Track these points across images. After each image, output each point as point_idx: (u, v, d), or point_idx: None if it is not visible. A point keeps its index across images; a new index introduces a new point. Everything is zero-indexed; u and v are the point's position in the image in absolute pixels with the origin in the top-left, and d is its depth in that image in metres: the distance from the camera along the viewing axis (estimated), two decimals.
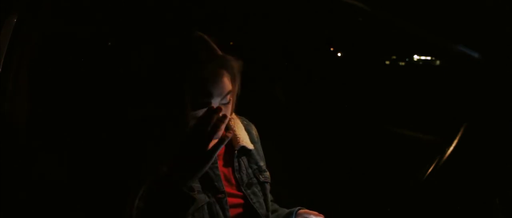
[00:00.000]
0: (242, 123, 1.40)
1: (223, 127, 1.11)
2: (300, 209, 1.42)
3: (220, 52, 1.19)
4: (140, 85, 1.31)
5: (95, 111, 1.56)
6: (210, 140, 1.08)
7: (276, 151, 1.54)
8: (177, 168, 1.09)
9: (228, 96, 1.17)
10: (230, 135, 1.11)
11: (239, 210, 1.27)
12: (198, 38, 1.19)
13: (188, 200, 1.10)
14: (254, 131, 1.45)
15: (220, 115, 1.08)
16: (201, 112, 1.12)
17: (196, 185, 1.18)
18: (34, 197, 1.36)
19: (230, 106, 1.22)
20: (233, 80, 1.20)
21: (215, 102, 1.15)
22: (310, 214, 1.38)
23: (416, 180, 1.55)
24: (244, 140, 1.34)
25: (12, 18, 1.34)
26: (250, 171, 1.35)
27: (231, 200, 1.25)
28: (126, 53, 1.78)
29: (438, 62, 3.96)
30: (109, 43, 1.88)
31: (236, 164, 1.32)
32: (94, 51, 1.75)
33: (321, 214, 1.37)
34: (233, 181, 1.30)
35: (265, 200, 1.35)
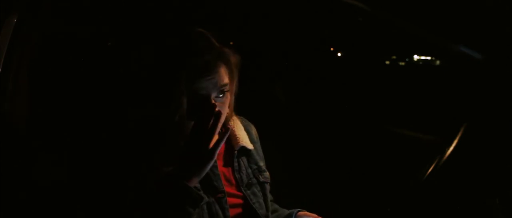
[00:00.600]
0: (242, 123, 1.40)
1: (220, 124, 1.11)
2: (299, 211, 1.41)
3: (218, 45, 1.19)
4: (140, 85, 1.31)
5: (95, 111, 1.56)
6: (211, 138, 1.09)
7: (276, 151, 1.54)
8: (182, 169, 1.09)
9: (225, 89, 1.17)
10: (229, 130, 1.11)
11: (239, 210, 1.27)
12: (198, 32, 1.19)
13: (197, 198, 1.10)
14: (254, 131, 1.44)
15: (216, 110, 1.09)
16: (197, 105, 1.12)
17: (196, 185, 1.18)
18: (34, 197, 1.36)
19: (226, 102, 1.21)
20: (230, 75, 1.20)
21: (211, 94, 1.14)
22: (309, 216, 1.37)
23: (416, 180, 1.55)
24: (244, 140, 1.34)
25: (12, 18, 1.34)
26: (249, 171, 1.35)
27: (230, 200, 1.25)
28: (126, 53, 1.78)
29: (438, 62, 3.96)
30: (109, 43, 1.88)
31: (235, 164, 1.32)
32: (94, 51, 1.75)
33: (320, 217, 1.37)
34: (233, 181, 1.29)
35: (265, 200, 1.34)
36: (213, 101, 1.13)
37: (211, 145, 1.09)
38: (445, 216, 1.54)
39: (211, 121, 1.08)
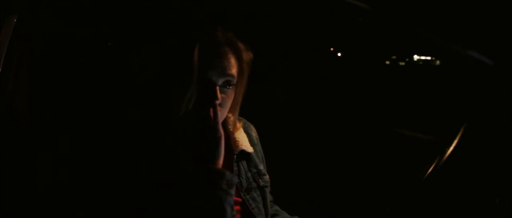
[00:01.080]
0: (242, 125, 1.38)
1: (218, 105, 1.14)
2: None
3: (234, 38, 1.21)
4: (142, 85, 1.31)
5: (95, 110, 1.56)
6: (208, 112, 1.11)
7: (276, 151, 1.54)
8: (199, 157, 1.11)
9: (231, 81, 1.17)
10: (218, 101, 1.13)
11: (238, 215, 1.25)
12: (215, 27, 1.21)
13: (231, 178, 1.11)
14: (254, 133, 1.43)
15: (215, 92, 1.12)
16: (203, 91, 1.14)
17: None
18: (34, 197, 1.36)
19: (230, 96, 1.21)
20: (239, 69, 1.20)
21: (217, 81, 1.15)
22: None
23: (416, 180, 1.55)
24: (243, 143, 1.33)
25: (12, 18, 1.34)
26: (249, 175, 1.33)
27: None
28: (126, 53, 1.78)
29: (438, 62, 3.96)
30: (109, 43, 1.87)
31: (235, 168, 1.30)
32: (94, 51, 1.75)
33: None
34: None
35: (264, 204, 1.33)
36: (217, 88, 1.14)
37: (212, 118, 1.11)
38: (445, 216, 1.54)
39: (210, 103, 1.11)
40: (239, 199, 1.28)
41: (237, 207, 1.26)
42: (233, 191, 1.11)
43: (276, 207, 1.49)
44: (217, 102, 1.13)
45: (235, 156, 1.31)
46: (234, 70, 1.18)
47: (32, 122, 1.41)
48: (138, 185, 1.12)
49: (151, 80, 1.26)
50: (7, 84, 1.34)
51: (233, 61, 1.18)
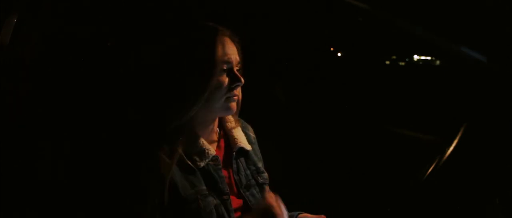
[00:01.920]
0: (240, 125, 1.39)
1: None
2: (300, 213, 1.41)
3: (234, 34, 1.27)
4: (140, 85, 1.31)
5: (95, 111, 1.56)
6: None
7: (275, 151, 1.54)
8: None
9: (239, 67, 1.24)
10: (242, 83, 1.22)
11: (238, 213, 1.26)
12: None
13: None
14: (251, 132, 1.44)
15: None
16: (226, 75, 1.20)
17: (203, 188, 1.19)
18: (34, 197, 1.36)
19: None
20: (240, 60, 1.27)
21: (234, 67, 1.22)
22: None
23: (416, 180, 1.55)
24: (242, 141, 1.33)
25: (12, 18, 1.34)
26: (248, 172, 1.34)
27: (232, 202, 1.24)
28: (126, 53, 1.78)
29: (438, 62, 3.96)
30: (109, 43, 1.87)
31: (234, 165, 1.31)
32: (94, 51, 1.75)
33: (322, 216, 1.36)
34: (233, 183, 1.29)
35: None
36: (236, 70, 1.22)
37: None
38: (445, 216, 1.54)
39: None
40: (240, 196, 1.28)
41: (238, 204, 1.27)
42: None
43: None
44: (241, 84, 1.22)
45: (234, 153, 1.31)
46: (238, 58, 1.25)
47: (32, 122, 1.41)
48: (138, 185, 1.12)
49: (160, 78, 1.26)
50: (7, 84, 1.34)
51: (237, 51, 1.25)
